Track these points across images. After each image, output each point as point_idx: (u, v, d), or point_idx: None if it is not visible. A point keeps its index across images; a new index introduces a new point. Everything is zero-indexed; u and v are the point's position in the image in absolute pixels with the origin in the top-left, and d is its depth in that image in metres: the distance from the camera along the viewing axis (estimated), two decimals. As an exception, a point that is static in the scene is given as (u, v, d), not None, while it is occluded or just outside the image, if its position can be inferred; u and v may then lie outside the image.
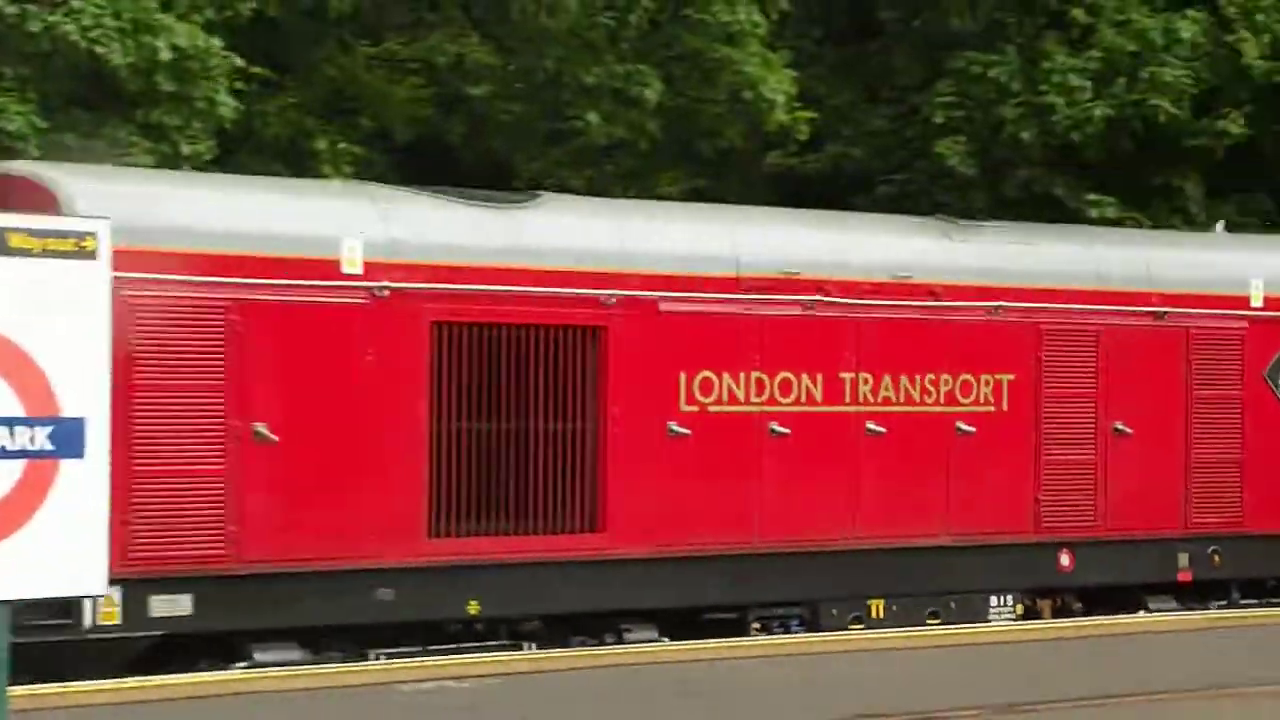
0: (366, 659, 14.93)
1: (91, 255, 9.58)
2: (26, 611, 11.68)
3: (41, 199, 13.94)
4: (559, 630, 16.15)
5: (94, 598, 12.95)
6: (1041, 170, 26.13)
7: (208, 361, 14.54)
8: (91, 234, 9.64)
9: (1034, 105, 25.41)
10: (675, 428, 16.54)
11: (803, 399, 17.24)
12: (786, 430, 17.06)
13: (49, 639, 13.47)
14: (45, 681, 12.99)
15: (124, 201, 14.16)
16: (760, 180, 28.52)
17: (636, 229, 16.98)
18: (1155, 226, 26.00)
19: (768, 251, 17.37)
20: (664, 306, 16.67)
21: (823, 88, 27.94)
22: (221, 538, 14.48)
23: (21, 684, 11.52)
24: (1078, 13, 26.04)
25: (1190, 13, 25.92)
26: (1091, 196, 25.83)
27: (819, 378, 17.34)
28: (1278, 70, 25.91)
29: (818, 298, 17.47)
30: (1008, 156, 25.91)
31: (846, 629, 17.32)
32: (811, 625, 17.28)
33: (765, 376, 17.07)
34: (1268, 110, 26.45)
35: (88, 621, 14.06)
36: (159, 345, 14.29)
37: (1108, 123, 25.28)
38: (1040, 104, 25.34)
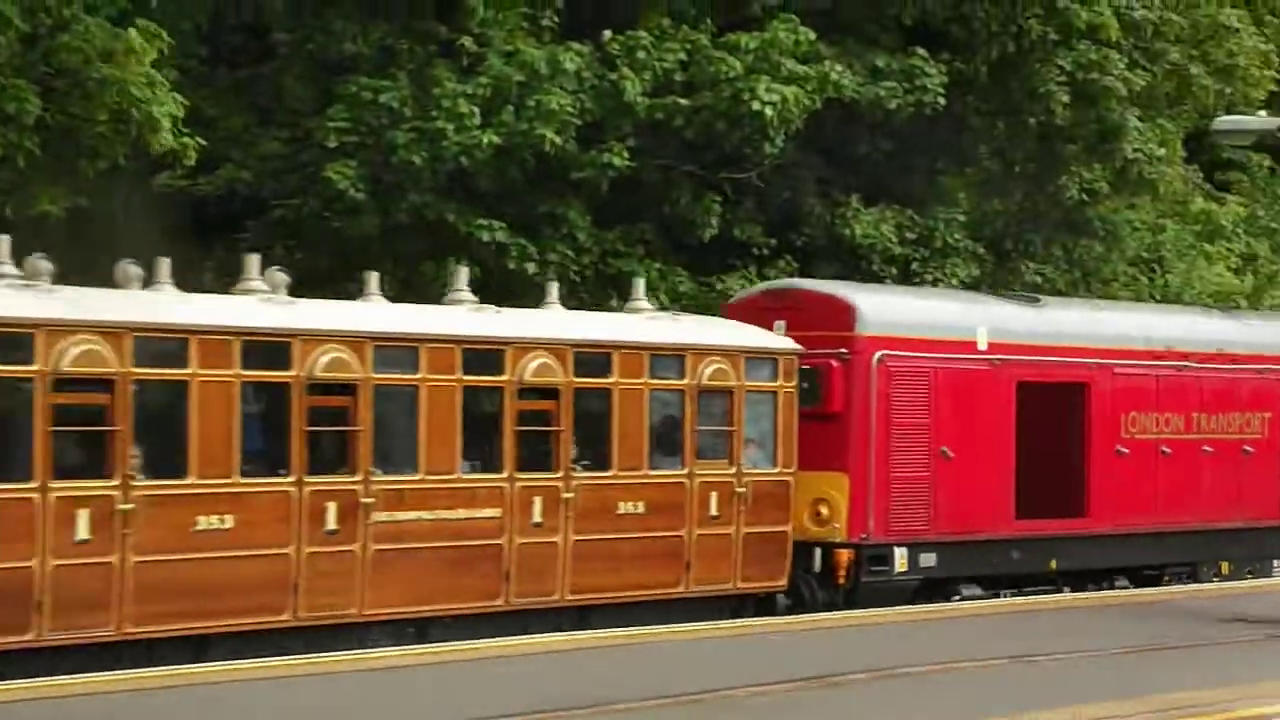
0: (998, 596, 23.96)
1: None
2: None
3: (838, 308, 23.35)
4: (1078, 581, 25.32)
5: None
6: (433, 196, 26.37)
7: (921, 404, 23.35)
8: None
9: (425, 131, 25.65)
10: (1119, 449, 25.66)
11: (1179, 430, 26.63)
12: (1169, 450, 26.34)
13: (876, 580, 22.66)
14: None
15: (887, 310, 23.70)
16: (150, 201, 27.83)
17: (1100, 318, 26.72)
18: (542, 253, 26.61)
19: (1161, 333, 26.98)
20: (1116, 370, 25.84)
21: (214, 109, 27.50)
22: (927, 518, 23.10)
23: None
24: (467, 41, 26.45)
25: (575, 45, 26.66)
26: (482, 222, 26.23)
27: (1183, 417, 26.71)
28: (659, 107, 26.88)
29: (1185, 364, 26.84)
30: (399, 181, 26.04)
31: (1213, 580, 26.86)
32: (1193, 578, 26.75)
33: (1158, 415, 26.36)
34: (650, 143, 27.38)
35: (894, 570, 22.85)
36: (904, 393, 23.16)
37: (497, 150, 25.73)
38: (431, 130, 25.60)
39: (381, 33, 26.84)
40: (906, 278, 30.08)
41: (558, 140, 25.66)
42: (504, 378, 19.77)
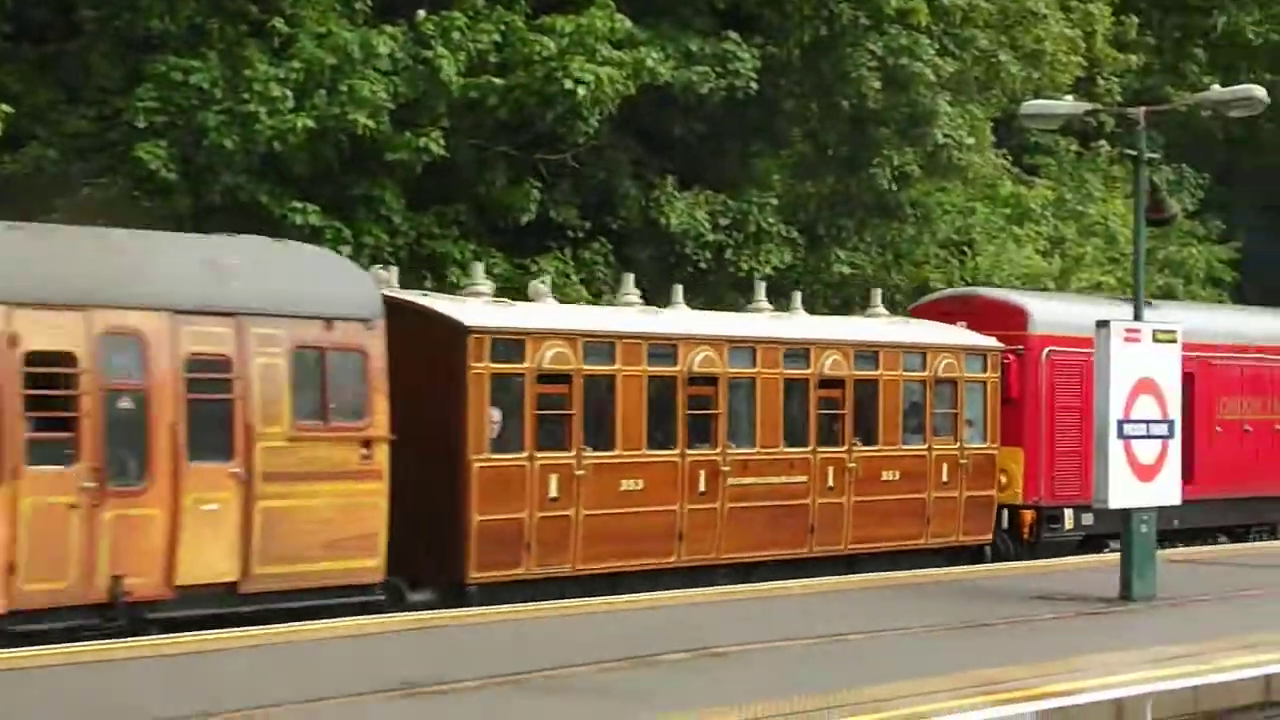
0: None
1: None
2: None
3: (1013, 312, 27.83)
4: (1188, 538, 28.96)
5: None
6: (246, 177, 26.07)
7: (1076, 391, 27.11)
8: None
9: (236, 114, 25.35)
10: (1216, 428, 30.17)
11: (1258, 411, 31.36)
12: (1250, 429, 31.10)
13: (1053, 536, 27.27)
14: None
15: (1052, 313, 28.30)
16: (-49, 179, 27.24)
17: (1201, 319, 30.60)
18: (357, 236, 26.44)
19: (1245, 331, 31.85)
20: (1213, 362, 30.09)
21: (18, 85, 26.98)
22: (1081, 485, 25.72)
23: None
24: (279, 22, 26.17)
25: (389, 28, 26.48)
26: (295, 205, 25.98)
27: (1260, 401, 31.42)
28: (474, 86, 26.78)
29: (1262, 357, 31.55)
30: (210, 163, 25.71)
31: None
32: (1274, 535, 31.42)
33: (1242, 400, 30.98)
34: (464, 123, 27.29)
35: (1065, 527, 27.40)
36: (1064, 383, 27.43)
37: (311, 134, 25.49)
38: (243, 113, 25.29)
39: (190, 10, 26.45)
40: (720, 263, 30.29)
41: (371, 125, 25.51)
42: (808, 371, 24.50)
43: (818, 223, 32.82)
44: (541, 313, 22.58)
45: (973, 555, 26.59)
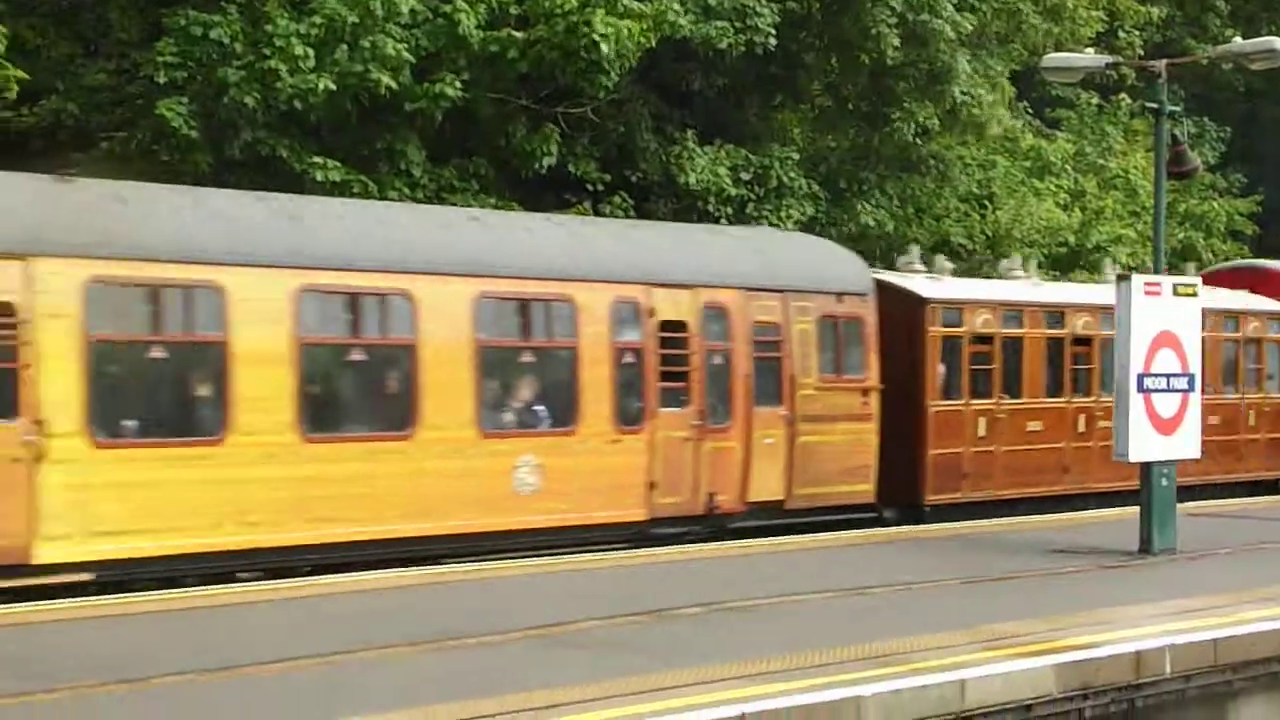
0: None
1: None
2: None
3: None
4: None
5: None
6: (266, 132, 26.01)
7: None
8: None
9: (257, 70, 25.24)
10: None
11: None
12: None
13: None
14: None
15: None
16: (-28, 135, 27.23)
17: None
18: (380, 190, 26.42)
19: None
20: None
21: (38, 38, 26.95)
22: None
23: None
24: (299, -24, 26.07)
25: (410, -20, 26.36)
26: (316, 159, 25.94)
27: None
28: (494, 39, 26.71)
29: None
30: (230, 119, 25.64)
31: None
32: None
33: None
34: (484, 78, 27.22)
35: None
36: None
37: (331, 91, 25.41)
38: (263, 69, 25.17)
39: (211, -36, 26.36)
40: (742, 218, 30.25)
41: (393, 84, 25.42)
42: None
43: (839, 176, 32.76)
44: (970, 286, 28.03)
45: (1268, 488, 31.33)
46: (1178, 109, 23.20)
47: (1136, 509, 21.70)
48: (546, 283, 21.37)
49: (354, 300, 19.88)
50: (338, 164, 26.10)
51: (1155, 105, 22.39)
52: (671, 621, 15.58)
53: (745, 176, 30.45)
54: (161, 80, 25.48)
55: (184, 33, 25.53)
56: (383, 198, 26.39)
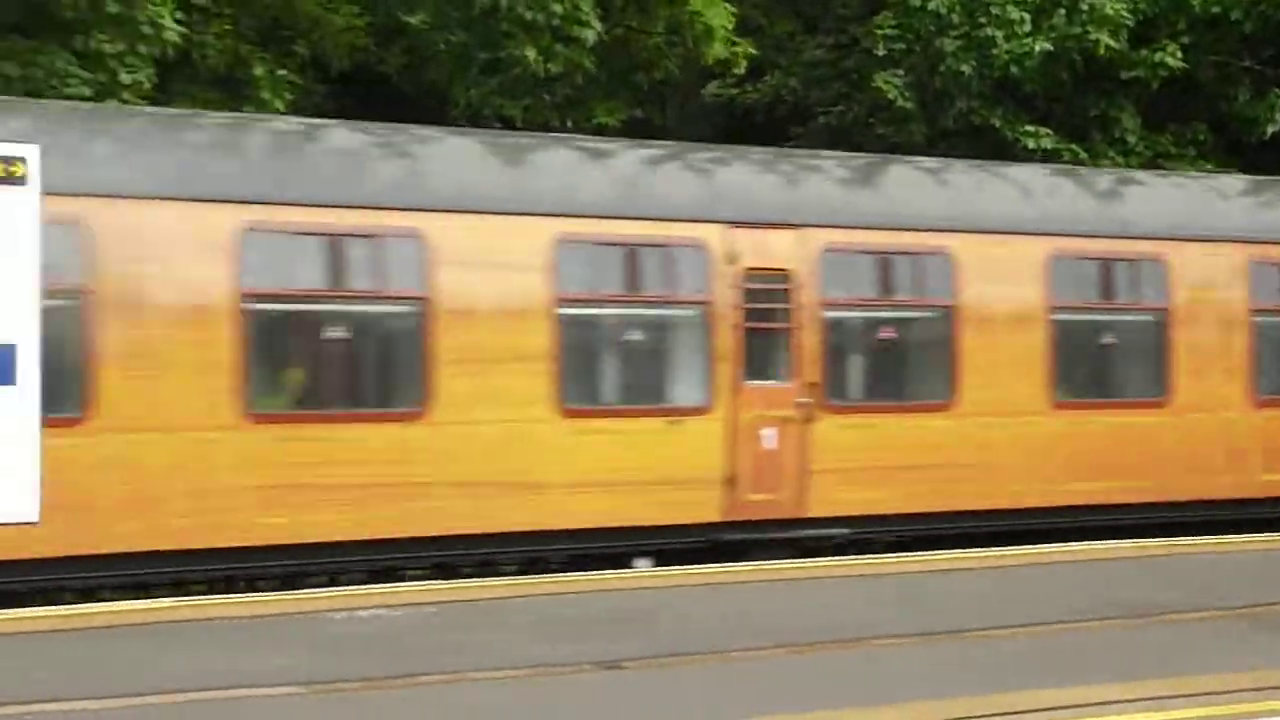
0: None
1: (21, 181, 9.56)
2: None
3: None
4: None
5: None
6: (980, 102, 26.10)
7: None
8: (20, 159, 9.65)
9: (973, 39, 25.38)
10: None
11: None
12: None
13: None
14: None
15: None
16: (698, 110, 28.43)
17: None
18: (1092, 157, 26.09)
19: None
20: None
21: (762, 18, 27.85)
22: None
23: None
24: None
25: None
26: (1029, 128, 25.85)
27: None
28: (1217, 1, 25.95)
29: None
30: (946, 89, 25.85)
31: None
32: None
33: None
34: (1205, 41, 26.50)
35: None
36: None
37: (1046, 56, 25.28)
38: (979, 38, 25.30)
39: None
40: None
41: (1113, 44, 25.06)
42: None
43: None
44: None
45: None
46: None
47: None
48: None
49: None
50: (1049, 131, 25.93)
51: None
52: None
53: None
54: (880, 53, 25.93)
55: (902, 5, 25.91)
56: (1096, 167, 26.04)
